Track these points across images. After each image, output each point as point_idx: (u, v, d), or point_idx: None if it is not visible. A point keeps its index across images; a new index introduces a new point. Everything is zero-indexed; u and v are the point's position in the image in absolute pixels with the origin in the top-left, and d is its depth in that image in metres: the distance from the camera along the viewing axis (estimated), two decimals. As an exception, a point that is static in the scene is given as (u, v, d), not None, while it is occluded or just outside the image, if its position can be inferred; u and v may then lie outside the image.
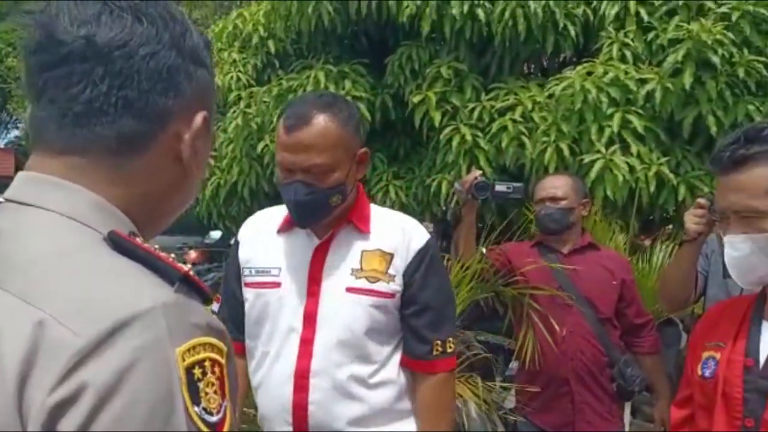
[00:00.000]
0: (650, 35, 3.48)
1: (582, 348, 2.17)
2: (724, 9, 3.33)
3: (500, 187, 2.22)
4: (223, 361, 0.54)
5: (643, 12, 3.54)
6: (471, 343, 3.51)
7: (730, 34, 3.23)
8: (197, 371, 0.51)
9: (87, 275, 0.53)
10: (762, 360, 1.12)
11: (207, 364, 0.52)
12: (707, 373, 1.20)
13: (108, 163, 0.60)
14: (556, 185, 2.25)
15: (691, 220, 1.64)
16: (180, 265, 0.57)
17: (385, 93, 4.12)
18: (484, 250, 2.52)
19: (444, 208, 4.08)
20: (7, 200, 0.60)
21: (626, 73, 3.36)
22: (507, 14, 3.62)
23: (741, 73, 3.25)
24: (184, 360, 0.50)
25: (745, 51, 3.28)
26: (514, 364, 3.58)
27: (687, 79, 3.23)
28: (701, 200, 1.64)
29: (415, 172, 4.20)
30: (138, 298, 0.51)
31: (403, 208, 4.15)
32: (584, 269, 2.20)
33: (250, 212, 5.21)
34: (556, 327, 2.17)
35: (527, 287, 2.26)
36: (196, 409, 0.50)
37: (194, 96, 0.64)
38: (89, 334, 0.48)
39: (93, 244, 0.56)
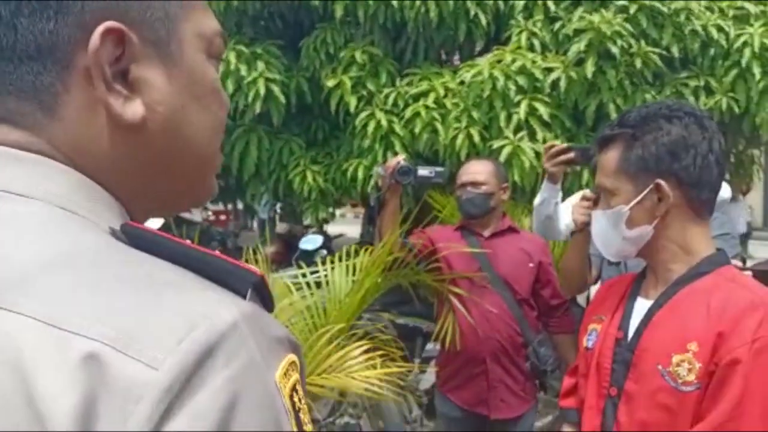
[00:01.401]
0: (557, 25, 3.60)
1: (499, 328, 2.24)
2: (623, 2, 3.49)
3: (423, 172, 2.25)
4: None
5: (550, 2, 3.65)
6: (386, 325, 3.58)
7: (629, 26, 3.40)
8: (296, 398, 0.41)
9: (130, 287, 0.39)
10: (630, 333, 1.19)
11: (298, 387, 0.41)
12: (589, 344, 1.27)
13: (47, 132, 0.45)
14: (478, 170, 2.28)
15: (578, 211, 1.75)
16: (253, 267, 0.44)
17: (300, 76, 4.06)
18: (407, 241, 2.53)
19: (360, 192, 4.11)
20: None
21: (533, 61, 3.47)
22: (419, 0, 3.64)
23: (638, 63, 3.42)
24: (284, 387, 0.39)
25: (642, 42, 3.46)
26: (430, 346, 3.68)
27: (589, 69, 3.38)
28: (587, 192, 1.74)
29: (333, 156, 4.18)
30: (214, 313, 0.38)
31: (322, 194, 4.14)
32: (503, 252, 2.27)
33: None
34: (475, 309, 2.23)
35: (447, 276, 2.30)
36: None
37: (96, 6, 0.44)
38: (173, 367, 0.36)
39: (107, 241, 0.42)
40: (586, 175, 3.31)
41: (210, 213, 8.17)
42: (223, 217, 9.67)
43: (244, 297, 0.41)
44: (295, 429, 0.39)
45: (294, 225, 6.33)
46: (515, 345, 2.25)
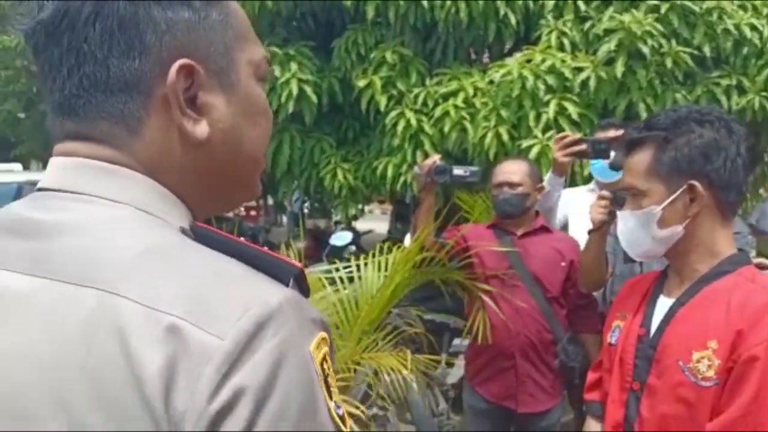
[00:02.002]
0: (587, 25, 3.61)
1: (528, 325, 2.28)
2: (654, 1, 3.48)
3: (458, 171, 2.27)
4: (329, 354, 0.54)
5: (580, 2, 3.66)
6: (414, 320, 3.65)
7: (660, 26, 3.39)
8: (326, 366, 0.51)
9: (198, 276, 0.50)
10: (653, 330, 1.23)
11: (327, 358, 0.52)
12: (613, 340, 1.31)
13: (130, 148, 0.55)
14: (513, 170, 2.31)
15: (596, 210, 1.78)
16: (294, 260, 0.55)
17: (332, 76, 4.15)
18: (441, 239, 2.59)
19: (390, 189, 4.17)
20: (49, 189, 0.55)
21: (563, 61, 3.49)
22: (449, 1, 3.69)
23: (669, 63, 3.42)
24: (315, 356, 0.50)
25: (673, 42, 3.45)
26: (457, 342, 3.73)
27: (619, 68, 3.39)
28: (604, 192, 1.78)
29: (364, 155, 4.26)
30: (265, 298, 0.49)
31: (352, 191, 4.23)
32: (535, 250, 2.31)
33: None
34: (506, 305, 2.27)
35: (479, 273, 2.34)
36: (331, 404, 0.50)
37: (171, 46, 0.54)
38: (234, 337, 0.46)
39: (180, 239, 0.53)
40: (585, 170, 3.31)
41: (242, 209, 8.33)
42: (253, 213, 9.83)
43: (287, 285, 0.52)
44: (324, 388, 0.50)
45: (323, 221, 6.44)
46: (544, 342, 2.29)
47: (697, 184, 1.18)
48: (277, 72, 4.00)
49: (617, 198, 1.66)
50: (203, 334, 0.46)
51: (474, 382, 2.42)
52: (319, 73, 4.15)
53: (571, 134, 2.15)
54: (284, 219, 10.36)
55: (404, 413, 3.45)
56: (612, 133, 2.13)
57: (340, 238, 4.50)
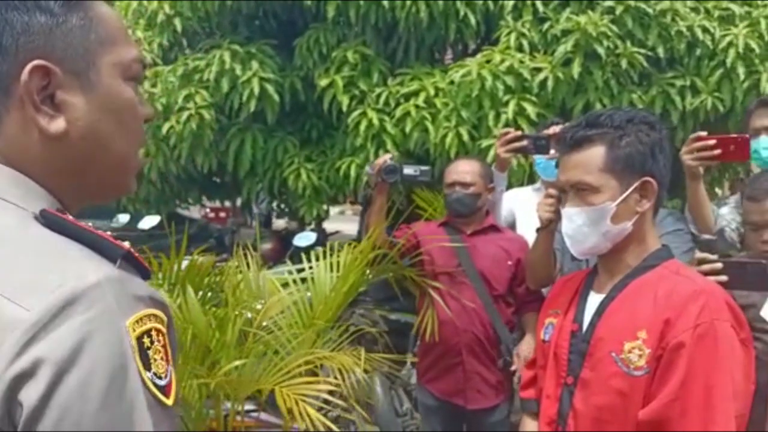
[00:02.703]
0: (545, 26, 3.66)
1: (474, 322, 2.32)
2: (610, 3, 3.54)
3: (408, 171, 2.30)
4: (165, 330, 0.58)
5: (538, 3, 3.71)
6: (377, 320, 3.65)
7: (615, 27, 3.46)
8: (146, 340, 0.55)
9: (30, 255, 0.56)
10: (585, 325, 1.27)
11: (153, 333, 0.56)
12: (546, 337, 1.34)
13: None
14: (466, 170, 2.34)
15: (543, 208, 1.80)
16: (121, 242, 0.60)
17: (294, 75, 4.13)
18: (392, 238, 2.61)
19: (353, 189, 4.17)
20: None
21: (521, 62, 3.53)
22: (409, 0, 3.70)
23: (624, 63, 3.48)
24: (134, 330, 0.54)
25: (628, 43, 3.51)
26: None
27: (576, 69, 3.44)
28: (551, 190, 1.79)
29: (327, 155, 4.24)
30: (84, 275, 0.54)
31: (316, 191, 4.21)
32: (483, 249, 2.34)
33: (161, 195, 5.13)
34: (454, 302, 2.30)
35: (426, 272, 2.37)
36: (148, 374, 0.55)
37: (27, 48, 0.59)
38: (41, 310, 0.51)
39: (26, 223, 0.58)
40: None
41: (208, 210, 8.25)
42: (223, 215, 9.74)
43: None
44: (139, 362, 0.55)
45: (292, 222, 6.41)
46: (490, 339, 2.32)
47: (651, 180, 1.23)
48: (238, 71, 3.96)
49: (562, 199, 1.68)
50: (15, 307, 0.52)
51: (424, 380, 2.45)
52: (281, 72, 4.12)
53: (513, 131, 2.18)
54: (253, 220, 10.28)
55: (368, 414, 3.46)
56: (552, 130, 2.16)
57: (304, 238, 4.48)
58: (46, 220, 0.59)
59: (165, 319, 0.60)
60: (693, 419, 1.10)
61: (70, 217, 0.60)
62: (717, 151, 1.73)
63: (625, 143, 1.21)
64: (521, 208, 2.41)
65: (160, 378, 0.56)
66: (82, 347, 0.51)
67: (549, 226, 1.81)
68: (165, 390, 0.57)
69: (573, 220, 1.27)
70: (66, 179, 0.64)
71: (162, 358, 0.57)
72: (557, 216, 1.77)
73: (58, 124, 0.61)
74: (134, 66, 0.67)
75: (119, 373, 0.53)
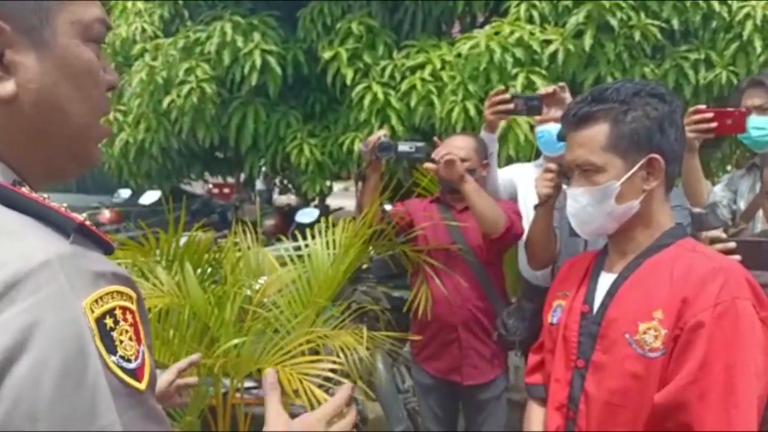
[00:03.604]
0: (556, -4, 3.54)
1: (469, 297, 2.30)
2: (624, -27, 3.41)
3: (404, 147, 2.25)
4: (134, 307, 0.53)
5: (549, -27, 3.58)
6: (380, 298, 3.62)
7: (629, -2, 3.34)
8: (109, 321, 0.50)
9: None
10: (596, 307, 1.21)
11: (118, 312, 0.51)
12: (554, 320, 1.29)
13: None
14: (460, 146, 2.30)
15: (542, 184, 1.73)
16: (74, 214, 0.55)
17: (297, 47, 4.03)
18: (388, 207, 2.58)
19: (357, 165, 4.11)
20: None
21: (531, 33, 3.42)
22: (416, -30, 3.59)
23: (637, 36, 3.37)
24: (92, 311, 0.49)
25: (642, 15, 3.39)
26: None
27: (588, 41, 3.33)
28: (550, 165, 1.73)
29: (331, 130, 4.17)
30: (30, 253, 0.49)
31: (319, 167, 4.14)
32: (474, 224, 2.29)
33: (162, 170, 5.09)
34: (448, 279, 2.27)
35: (423, 247, 2.34)
36: (113, 358, 0.50)
37: None
38: None
39: None
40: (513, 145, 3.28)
41: (211, 186, 8.20)
42: (226, 191, 9.70)
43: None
44: (99, 344, 0.49)
45: (295, 198, 6.35)
46: (485, 313, 2.31)
47: (658, 157, 1.16)
48: (240, 43, 3.87)
49: (563, 170, 1.62)
50: None
51: (419, 359, 2.43)
52: (284, 45, 4.02)
53: (504, 90, 2.13)
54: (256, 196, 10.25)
55: (370, 391, 3.44)
56: (545, 90, 2.09)
57: (307, 215, 4.42)
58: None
59: (133, 295, 0.54)
60: (713, 401, 1.05)
61: (24, 190, 0.55)
62: (714, 124, 1.77)
63: (631, 118, 1.15)
64: (523, 184, 2.35)
65: (128, 361, 0.51)
66: (31, 333, 0.46)
67: (548, 202, 1.75)
68: (135, 373, 0.51)
69: (578, 200, 1.22)
70: (21, 149, 0.58)
71: (131, 339, 0.52)
72: (556, 192, 1.71)
73: (7, 87, 0.55)
74: (96, 26, 0.60)
75: (76, 359, 0.48)
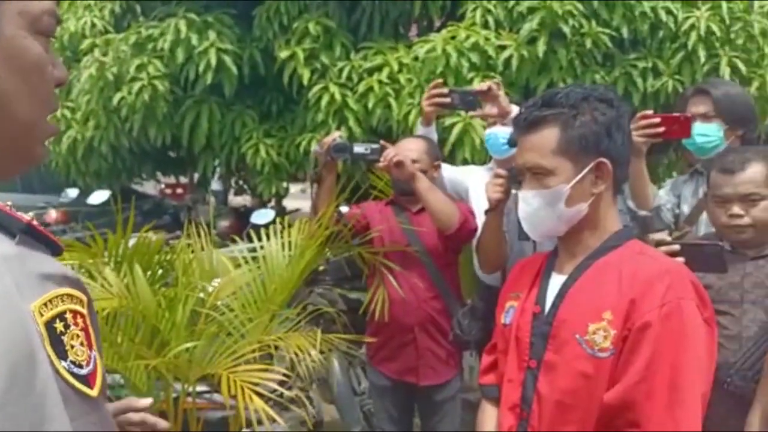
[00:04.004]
0: (511, 3, 3.60)
1: (425, 298, 2.31)
2: (576, -19, 3.50)
3: (359, 149, 2.26)
4: (84, 311, 0.52)
5: (505, -21, 3.64)
6: (336, 300, 3.60)
7: (580, 6, 3.42)
8: (59, 325, 0.48)
9: None
10: (547, 307, 1.23)
11: (68, 316, 0.49)
12: (507, 321, 1.30)
13: None
14: (411, 148, 2.32)
15: (492, 189, 1.76)
16: (21, 214, 0.52)
17: (253, 46, 3.98)
18: (344, 209, 2.58)
19: (313, 166, 4.08)
20: None
21: (486, 39, 3.47)
22: (373, -28, 3.59)
23: (589, 43, 3.46)
24: (41, 315, 0.47)
25: (593, 23, 3.49)
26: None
27: (541, 48, 3.40)
28: (500, 170, 1.77)
29: (287, 130, 4.12)
30: None
31: (275, 167, 4.09)
32: (429, 225, 2.31)
33: (112, 169, 4.93)
34: (404, 280, 2.28)
35: (379, 249, 2.35)
36: (63, 364, 0.48)
37: None
38: None
39: None
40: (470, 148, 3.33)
41: (164, 186, 8.00)
42: (179, 191, 9.49)
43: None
44: (49, 349, 0.47)
45: (251, 199, 6.25)
46: (441, 314, 2.33)
47: (606, 161, 1.19)
48: (194, 41, 3.79)
49: (513, 175, 1.64)
50: None
51: (375, 360, 2.44)
52: (240, 43, 3.96)
53: (442, 84, 2.19)
54: (211, 197, 10.05)
55: (326, 393, 3.42)
56: (480, 87, 2.14)
57: (262, 216, 4.36)
58: None
59: (84, 299, 0.52)
60: (659, 400, 1.08)
61: None
62: (661, 129, 1.81)
63: (579, 123, 1.18)
64: (474, 187, 2.38)
65: (80, 367, 0.49)
66: None
67: (498, 207, 1.77)
68: (87, 380, 0.49)
69: (529, 203, 1.24)
70: None
71: (82, 344, 0.50)
72: (506, 197, 1.74)
73: None
74: (45, 18, 0.58)
75: (23, 366, 0.45)
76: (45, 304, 0.48)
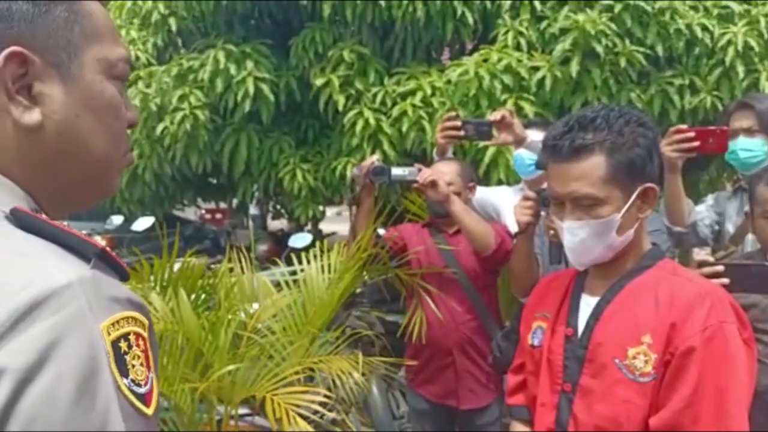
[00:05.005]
0: (543, 24, 3.62)
1: (464, 320, 2.30)
2: (608, 1, 3.51)
3: (397, 171, 2.29)
4: (146, 334, 0.55)
5: (536, 2, 3.67)
6: (374, 323, 3.61)
7: (613, 25, 3.42)
8: (123, 345, 0.52)
9: None
10: (581, 330, 1.21)
11: (132, 337, 0.53)
12: (536, 342, 1.29)
13: None
14: (444, 171, 2.33)
15: (521, 212, 1.73)
16: (96, 240, 0.57)
17: (290, 75, 4.09)
18: (381, 232, 2.61)
19: (350, 190, 4.14)
20: None
21: (519, 60, 3.49)
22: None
23: (623, 62, 3.45)
24: (109, 334, 0.51)
25: (627, 41, 3.48)
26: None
27: (574, 68, 3.40)
28: (529, 193, 1.75)
29: (323, 155, 4.20)
30: (53, 275, 0.50)
31: (312, 192, 4.17)
32: (465, 247, 2.32)
33: (155, 196, 5.09)
34: (442, 303, 2.28)
35: (418, 271, 2.36)
36: (125, 381, 0.51)
37: (6, 34, 0.57)
38: (4, 314, 0.48)
39: None
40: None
41: (204, 211, 8.21)
42: (219, 216, 9.69)
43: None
44: (115, 368, 0.51)
45: (288, 223, 6.35)
46: (480, 336, 2.31)
47: (654, 186, 1.17)
48: (233, 70, 3.92)
49: (543, 198, 1.63)
50: None
51: (414, 383, 2.43)
52: (277, 72, 4.08)
53: (456, 116, 2.19)
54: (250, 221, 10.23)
55: (365, 417, 3.42)
56: (494, 117, 2.11)
57: (300, 239, 4.43)
58: (16, 218, 0.56)
59: (146, 322, 0.56)
60: (707, 425, 1.07)
61: (43, 216, 0.57)
62: (696, 143, 1.76)
63: (626, 149, 1.14)
64: (504, 207, 2.38)
65: (138, 386, 0.53)
66: (49, 353, 0.48)
67: (528, 230, 1.74)
68: (144, 399, 0.53)
69: (576, 233, 1.18)
70: (41, 176, 0.60)
71: (142, 365, 0.54)
72: (536, 219, 1.72)
73: (33, 116, 0.58)
74: (120, 65, 0.64)
75: (91, 380, 0.49)
76: (112, 324, 0.52)
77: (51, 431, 0.47)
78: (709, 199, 2.18)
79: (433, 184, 2.13)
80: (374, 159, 2.26)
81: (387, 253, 2.36)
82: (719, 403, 1.07)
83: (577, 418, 1.18)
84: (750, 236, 1.95)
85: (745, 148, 1.96)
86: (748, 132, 1.97)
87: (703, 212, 2.10)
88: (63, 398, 0.48)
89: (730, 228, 2.07)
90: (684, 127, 1.83)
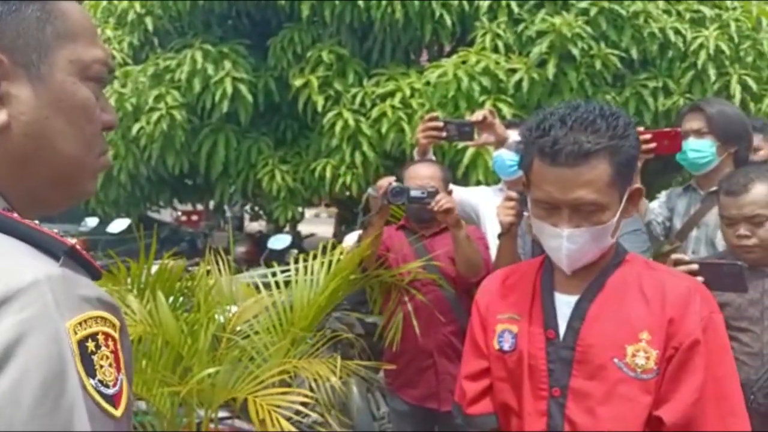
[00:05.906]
0: (520, 27, 3.66)
1: (444, 322, 2.30)
2: (584, 4, 3.56)
3: (415, 193, 2.22)
4: (116, 335, 0.54)
5: (513, 4, 3.71)
6: (353, 324, 3.61)
7: (589, 28, 3.48)
8: (90, 344, 0.51)
9: None
10: (562, 331, 1.16)
11: (100, 337, 0.52)
12: (506, 347, 1.20)
13: None
14: (425, 175, 2.30)
15: (503, 212, 1.70)
16: (65, 238, 0.55)
17: (268, 75, 4.07)
18: (353, 235, 2.58)
19: (329, 191, 4.12)
20: None
21: (497, 62, 3.52)
22: (385, 1, 3.67)
23: (598, 65, 3.50)
24: (75, 333, 0.50)
25: (602, 44, 3.53)
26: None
27: (551, 70, 3.45)
28: (511, 194, 1.73)
29: (302, 156, 4.19)
30: (20, 273, 0.50)
31: (291, 193, 4.15)
32: (442, 249, 2.31)
33: (131, 197, 5.01)
34: (421, 304, 2.28)
35: (402, 272, 2.34)
36: (91, 381, 0.50)
37: None
38: None
39: None
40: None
41: (180, 213, 8.12)
42: (195, 218, 9.59)
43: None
44: (81, 368, 0.50)
45: (266, 225, 6.31)
46: (460, 337, 2.31)
47: (640, 186, 1.16)
48: (210, 71, 3.89)
49: (524, 198, 1.62)
50: None
51: (395, 386, 2.41)
52: (255, 72, 4.06)
53: (437, 116, 2.17)
54: (227, 223, 10.15)
55: (345, 418, 3.41)
56: (475, 117, 2.11)
57: (279, 241, 4.41)
58: None
59: (116, 323, 0.55)
60: (712, 413, 1.08)
61: (14, 215, 0.56)
62: (653, 145, 1.78)
63: (624, 151, 1.09)
64: (484, 208, 2.38)
65: (107, 386, 0.52)
66: (13, 350, 0.47)
67: (510, 230, 1.72)
68: (113, 400, 0.52)
69: (576, 241, 1.12)
70: (10, 177, 0.59)
71: (111, 365, 0.53)
72: (518, 219, 1.70)
73: (0, 117, 0.57)
74: (96, 66, 0.63)
75: (56, 379, 0.48)
76: (80, 323, 0.51)
77: (14, 428, 0.47)
78: (662, 195, 2.25)
79: (448, 211, 2.10)
80: (391, 180, 2.21)
81: (373, 259, 2.33)
82: (719, 390, 1.09)
83: (574, 421, 1.14)
84: (693, 234, 2.04)
85: (695, 149, 2.02)
86: (698, 133, 2.03)
87: (656, 209, 2.17)
88: (27, 395, 0.47)
89: (678, 224, 2.14)
90: (641, 129, 1.83)
